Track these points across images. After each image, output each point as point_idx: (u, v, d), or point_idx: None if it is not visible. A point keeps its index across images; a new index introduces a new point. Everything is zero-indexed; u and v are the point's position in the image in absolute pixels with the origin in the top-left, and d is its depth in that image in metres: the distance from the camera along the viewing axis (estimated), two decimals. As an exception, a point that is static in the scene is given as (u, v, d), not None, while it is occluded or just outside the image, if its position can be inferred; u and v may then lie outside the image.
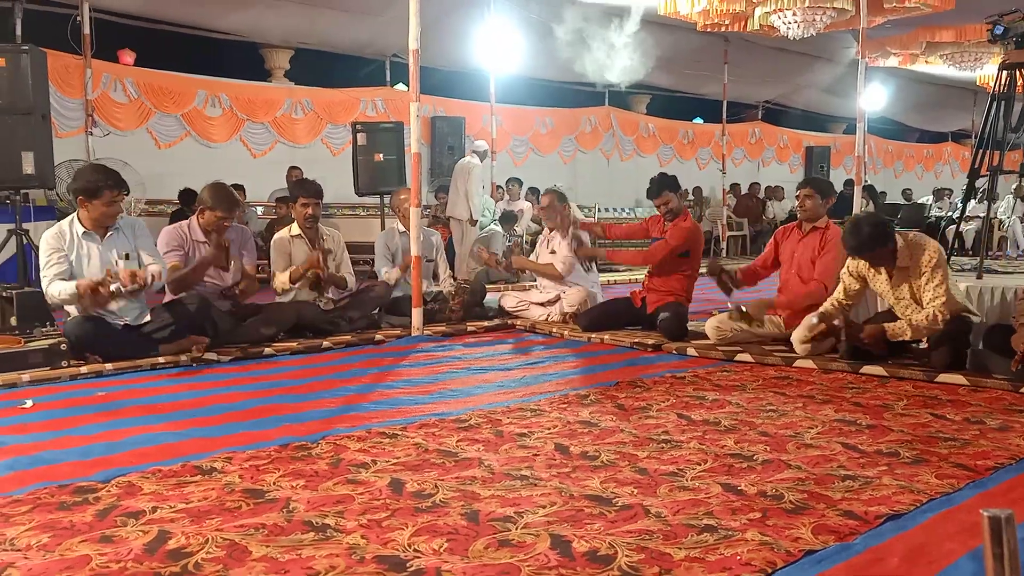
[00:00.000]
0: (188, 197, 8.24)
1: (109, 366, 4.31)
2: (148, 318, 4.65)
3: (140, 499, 2.42)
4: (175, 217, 8.20)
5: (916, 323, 4.19)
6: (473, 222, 9.77)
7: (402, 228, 6.14)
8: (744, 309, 4.86)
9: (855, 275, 4.46)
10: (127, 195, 4.53)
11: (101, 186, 4.38)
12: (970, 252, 10.21)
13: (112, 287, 4.19)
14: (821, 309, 4.48)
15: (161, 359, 4.48)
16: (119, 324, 4.51)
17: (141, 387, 4.02)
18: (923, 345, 4.41)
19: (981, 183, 6.30)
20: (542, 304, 6.28)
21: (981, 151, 5.82)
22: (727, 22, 10.31)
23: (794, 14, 9.18)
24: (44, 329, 4.87)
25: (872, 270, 4.39)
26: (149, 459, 2.80)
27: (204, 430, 3.21)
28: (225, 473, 2.65)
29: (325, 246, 5.57)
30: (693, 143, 16.71)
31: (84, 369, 4.26)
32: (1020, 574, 0.88)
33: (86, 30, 9.41)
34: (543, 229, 7.77)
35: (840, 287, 4.52)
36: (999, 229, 12.21)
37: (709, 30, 10.86)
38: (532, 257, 6.57)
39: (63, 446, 2.99)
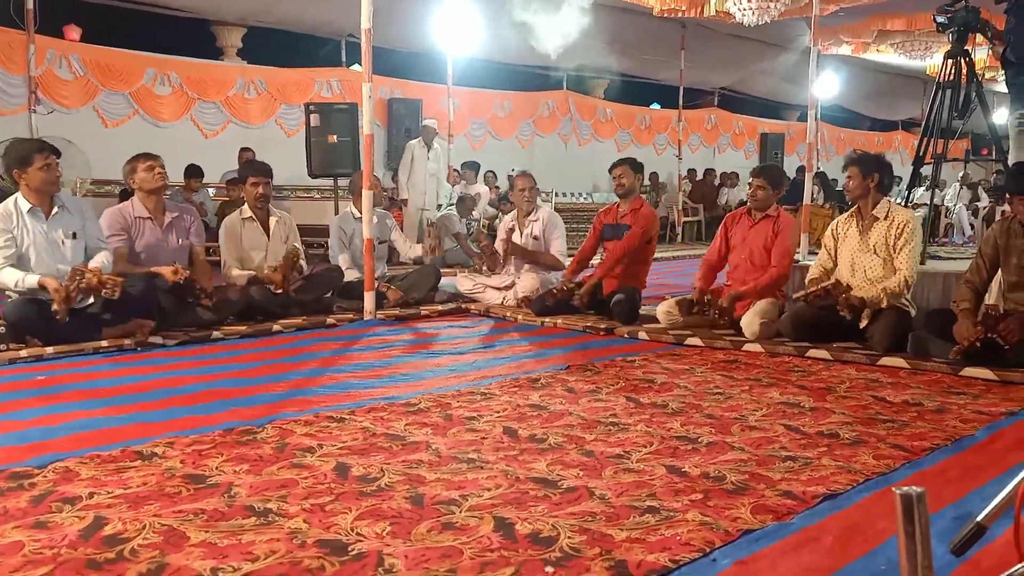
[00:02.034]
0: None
1: (50, 350, 4.21)
2: (91, 300, 4.55)
3: (77, 485, 2.36)
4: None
5: (890, 289, 4.43)
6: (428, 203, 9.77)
7: (356, 213, 6.07)
8: (722, 304, 4.98)
9: (833, 235, 4.81)
10: (59, 158, 4.45)
11: (30, 151, 4.34)
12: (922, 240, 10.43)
13: (79, 283, 4.19)
14: (811, 275, 4.78)
15: (104, 343, 4.38)
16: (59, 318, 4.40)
17: (82, 371, 3.93)
18: (862, 324, 4.52)
19: (927, 171, 6.43)
20: (498, 288, 6.28)
21: (926, 139, 5.93)
22: (683, 8, 10.36)
23: (749, 1, 9.25)
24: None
25: (850, 220, 4.73)
26: (88, 444, 2.74)
27: (146, 415, 3.15)
28: (166, 458, 2.61)
29: (293, 247, 5.47)
30: (650, 129, 16.80)
31: (24, 353, 4.15)
32: (931, 550, 0.90)
33: (29, 5, 9.13)
34: (500, 213, 7.70)
35: (823, 252, 4.86)
36: (945, 216, 12.50)
37: (666, 15, 10.90)
38: (497, 243, 6.46)
39: (-1, 431, 2.92)
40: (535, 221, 6.17)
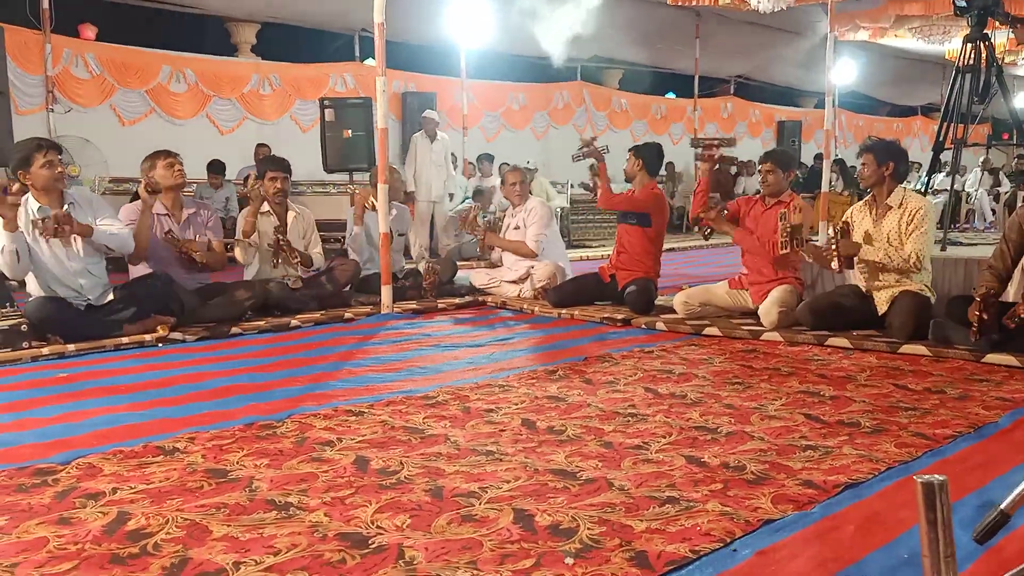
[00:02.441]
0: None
1: (71, 347, 4.25)
2: (111, 297, 4.59)
3: (100, 480, 2.39)
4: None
5: (894, 258, 4.44)
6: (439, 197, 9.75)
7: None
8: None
9: (847, 220, 4.76)
10: (60, 155, 4.47)
11: (30, 151, 4.33)
12: (938, 225, 10.32)
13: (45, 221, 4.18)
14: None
15: (125, 339, 4.42)
16: (82, 304, 4.45)
17: (104, 368, 3.97)
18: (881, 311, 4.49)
19: (947, 156, 6.36)
20: (513, 281, 6.27)
21: (946, 124, 5.86)
22: (698, -5, 10.28)
23: (764, -13, 9.17)
24: (4, 310, 4.80)
25: (865, 207, 4.70)
26: (110, 440, 2.77)
27: (167, 410, 3.18)
28: (188, 453, 2.63)
29: (303, 238, 5.53)
30: (666, 118, 16.68)
31: (46, 350, 4.19)
32: (953, 539, 0.90)
33: (45, 4, 9.19)
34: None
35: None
36: (967, 202, 12.36)
37: (681, 3, 10.81)
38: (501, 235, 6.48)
39: (23, 428, 2.95)
40: (521, 212, 6.19)
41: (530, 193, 6.53)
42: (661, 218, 5.74)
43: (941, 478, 0.89)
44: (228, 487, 2.33)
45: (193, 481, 2.38)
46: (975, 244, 6.19)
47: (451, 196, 10.30)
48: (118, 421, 3.03)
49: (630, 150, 5.83)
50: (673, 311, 5.19)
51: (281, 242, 5.32)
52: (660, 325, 4.98)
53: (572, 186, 13.29)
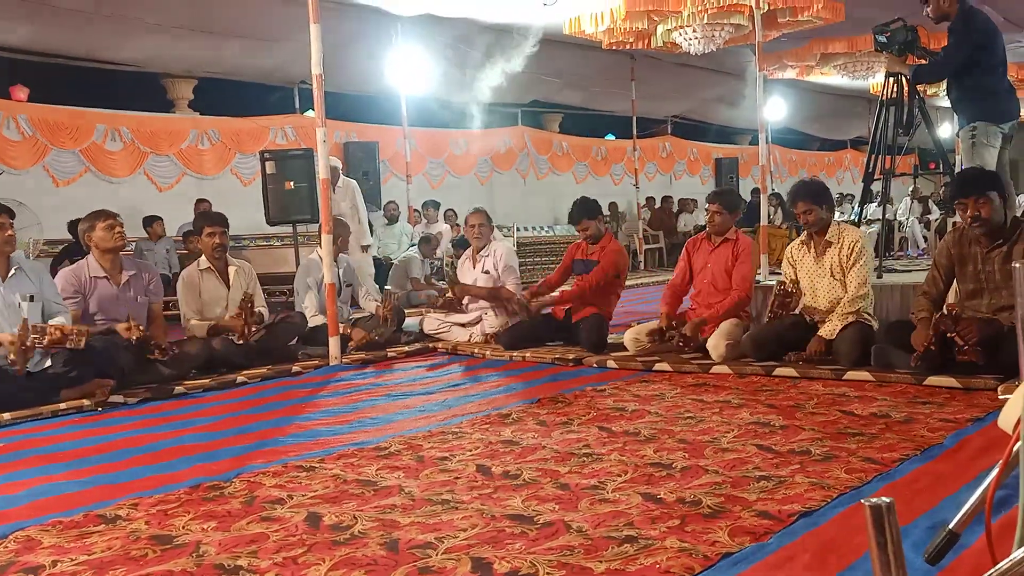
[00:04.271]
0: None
1: (6, 416, 4.08)
2: (49, 363, 4.44)
3: (39, 554, 2.28)
4: (64, 253, 7.78)
5: (844, 312, 4.53)
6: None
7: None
8: (685, 333, 4.98)
9: (790, 262, 4.90)
10: (12, 219, 4.45)
11: None
12: (874, 254, 10.61)
13: (31, 340, 4.10)
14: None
15: (63, 405, 4.26)
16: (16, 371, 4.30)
17: (41, 436, 3.81)
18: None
19: (877, 187, 6.57)
20: (463, 325, 6.24)
21: (874, 156, 6.07)
22: (631, 40, 10.53)
23: (694, 31, 9.45)
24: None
25: (803, 246, 4.83)
26: (49, 511, 2.65)
27: (109, 476, 3.06)
28: (130, 520, 2.53)
29: (246, 291, 5.38)
30: (606, 160, 16.99)
31: (-22, 421, 4.03)
32: (904, 561, 0.90)
33: (-27, 67, 9.04)
34: (454, 258, 7.67)
35: (785, 278, 4.91)
36: (899, 230, 12.77)
37: (615, 48, 11.08)
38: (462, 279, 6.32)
39: (-46, 504, 2.82)
40: (487, 256, 6.16)
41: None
42: (625, 269, 5.90)
43: (888, 500, 0.90)
44: (174, 553, 2.24)
45: (137, 549, 2.29)
46: (910, 271, 6.38)
47: (364, 248, 9.56)
48: (57, 490, 2.90)
49: (582, 218, 5.73)
50: (624, 348, 5.22)
51: (247, 310, 5.21)
52: (611, 363, 5.00)
53: (518, 229, 13.38)
